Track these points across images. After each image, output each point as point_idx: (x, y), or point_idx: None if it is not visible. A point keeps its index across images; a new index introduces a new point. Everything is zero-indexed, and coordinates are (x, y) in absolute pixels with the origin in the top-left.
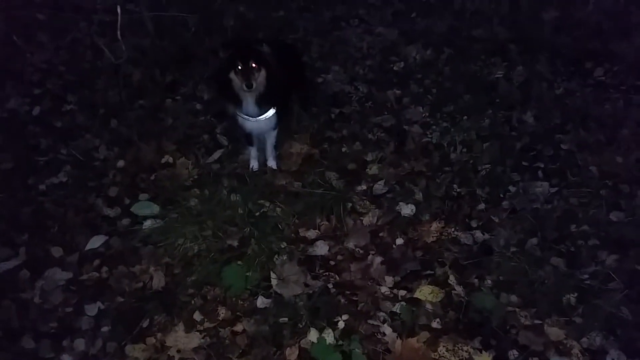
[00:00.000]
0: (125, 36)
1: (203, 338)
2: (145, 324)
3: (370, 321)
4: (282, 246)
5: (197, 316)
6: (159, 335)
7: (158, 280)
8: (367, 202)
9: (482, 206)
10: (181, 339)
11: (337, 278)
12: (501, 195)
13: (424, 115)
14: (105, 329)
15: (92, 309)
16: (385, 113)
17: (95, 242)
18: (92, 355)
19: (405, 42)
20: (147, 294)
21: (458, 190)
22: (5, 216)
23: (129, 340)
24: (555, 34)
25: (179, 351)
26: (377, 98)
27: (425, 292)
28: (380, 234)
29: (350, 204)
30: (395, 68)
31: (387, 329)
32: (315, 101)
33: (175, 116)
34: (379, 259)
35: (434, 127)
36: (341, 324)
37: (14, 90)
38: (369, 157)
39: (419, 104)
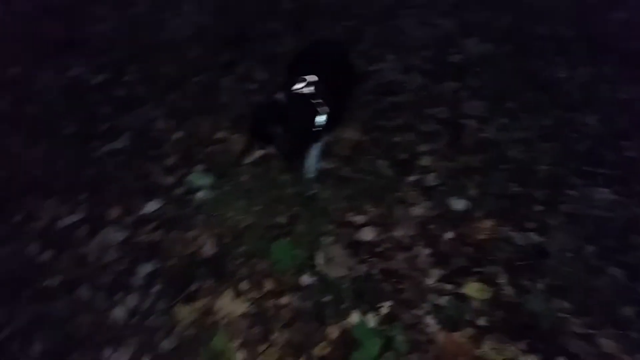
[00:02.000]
0: (185, 13)
1: (249, 307)
2: (194, 287)
3: (413, 311)
4: (329, 228)
5: (243, 286)
6: (206, 299)
7: (209, 248)
8: (417, 194)
9: (538, 208)
10: (229, 305)
11: (383, 265)
12: (559, 199)
13: (481, 110)
14: (155, 288)
15: (144, 269)
16: (441, 105)
17: (151, 207)
18: (142, 311)
19: (464, 34)
20: (197, 259)
21: (514, 189)
22: (69, 175)
23: (177, 302)
24: (622, 35)
25: (225, 316)
26: (432, 89)
27: (473, 289)
28: (429, 227)
29: (399, 194)
30: (452, 60)
31: (430, 321)
32: (366, 90)
33: (230, 95)
34: (426, 251)
35: (492, 122)
36: (384, 310)
37: (78, 59)
38: (422, 149)
39: (477, 98)
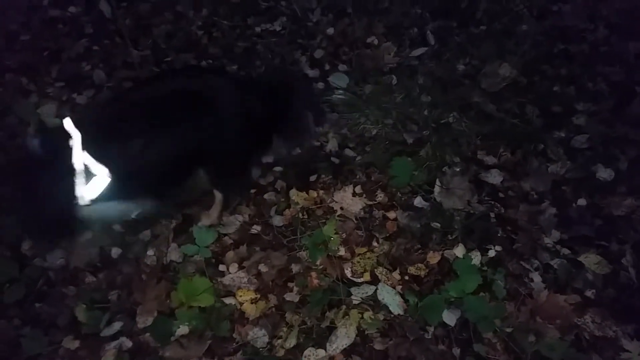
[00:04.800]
0: None
1: (359, 210)
2: (313, 178)
3: (522, 263)
4: (456, 160)
5: (357, 190)
6: (321, 192)
7: (332, 145)
8: (561, 151)
9: None
10: (347, 200)
11: (502, 211)
12: None
13: None
14: (278, 168)
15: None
16: (618, 65)
17: None
18: (260, 185)
19: None
20: (320, 154)
21: None
22: (225, 44)
23: (295, 187)
24: None
25: (341, 208)
26: (614, 46)
27: (592, 261)
28: (563, 187)
29: (542, 146)
30: None
31: (536, 277)
32: (538, 31)
33: (394, 1)
34: (552, 210)
35: None
36: (492, 253)
37: None
38: (580, 107)
39: None
